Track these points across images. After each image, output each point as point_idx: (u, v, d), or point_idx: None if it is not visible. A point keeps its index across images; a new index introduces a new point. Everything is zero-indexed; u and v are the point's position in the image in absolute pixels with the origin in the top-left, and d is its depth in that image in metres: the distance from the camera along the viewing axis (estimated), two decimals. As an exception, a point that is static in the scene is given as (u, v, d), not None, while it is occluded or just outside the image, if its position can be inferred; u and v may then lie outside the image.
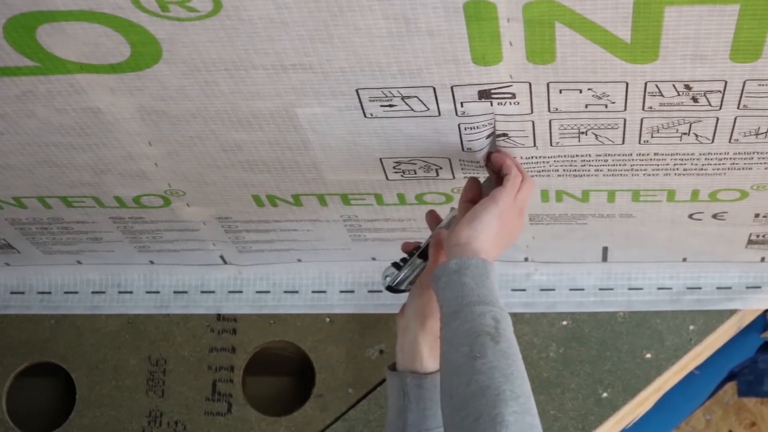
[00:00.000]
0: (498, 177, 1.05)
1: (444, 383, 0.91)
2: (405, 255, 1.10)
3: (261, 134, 1.04)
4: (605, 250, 1.34)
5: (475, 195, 1.06)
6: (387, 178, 1.14)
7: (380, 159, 1.09)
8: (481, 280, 0.95)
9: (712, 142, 1.01)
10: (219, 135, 1.05)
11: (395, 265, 1.09)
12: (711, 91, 0.92)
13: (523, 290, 1.40)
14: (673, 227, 1.24)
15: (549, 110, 0.98)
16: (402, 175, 1.13)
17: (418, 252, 1.09)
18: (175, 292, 1.47)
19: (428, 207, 1.16)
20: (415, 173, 1.13)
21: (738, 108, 0.95)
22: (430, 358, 1.05)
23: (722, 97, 0.93)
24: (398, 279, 1.09)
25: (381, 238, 1.31)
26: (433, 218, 1.12)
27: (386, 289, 1.10)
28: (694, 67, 0.88)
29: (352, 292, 1.43)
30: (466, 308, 0.93)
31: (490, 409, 0.85)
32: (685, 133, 1.00)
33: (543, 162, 1.08)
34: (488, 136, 1.03)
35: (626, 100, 0.95)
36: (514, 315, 1.39)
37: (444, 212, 1.20)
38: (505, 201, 1.00)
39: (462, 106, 0.97)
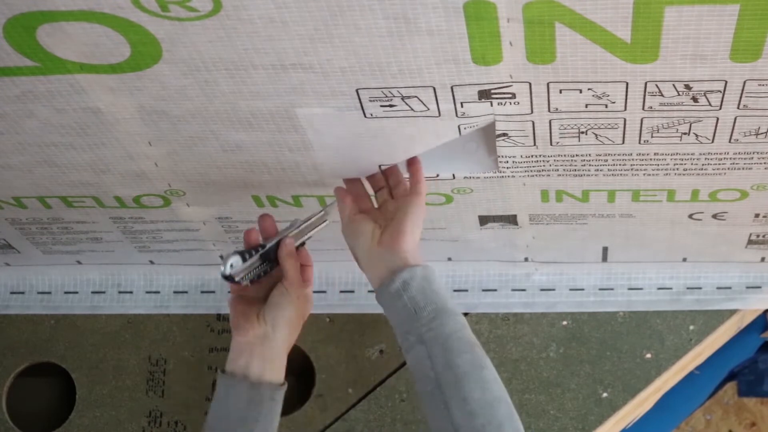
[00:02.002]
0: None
1: (451, 387, 0.94)
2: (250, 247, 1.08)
3: (261, 134, 1.04)
4: (605, 250, 1.34)
5: (367, 205, 1.11)
6: (387, 178, 1.14)
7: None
8: (442, 286, 1.02)
9: (712, 142, 1.01)
10: (219, 135, 1.05)
11: (240, 254, 1.06)
12: (711, 91, 0.92)
13: (523, 290, 1.40)
14: (673, 227, 1.24)
15: (549, 110, 0.98)
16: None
17: (260, 252, 1.07)
18: (175, 292, 1.47)
19: (429, 207, 1.16)
20: (415, 173, 1.13)
21: (738, 108, 0.95)
22: (282, 370, 1.06)
23: (722, 97, 0.93)
24: (239, 270, 1.05)
25: (381, 238, 1.31)
26: (270, 224, 1.11)
27: (223, 276, 1.06)
28: (694, 67, 0.88)
29: (352, 292, 1.43)
30: (450, 316, 1.00)
31: (512, 421, 0.93)
32: (685, 133, 1.00)
33: (543, 162, 1.08)
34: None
35: (626, 100, 0.95)
36: (514, 315, 1.40)
37: (445, 212, 1.20)
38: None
39: (462, 106, 0.97)
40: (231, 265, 1.05)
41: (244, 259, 1.06)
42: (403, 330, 1.01)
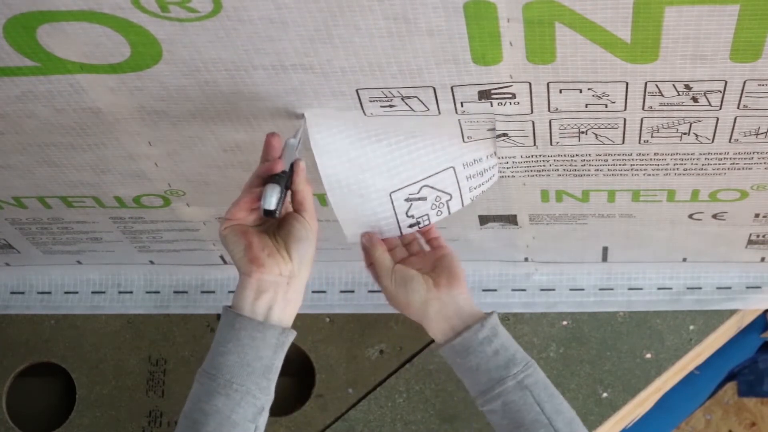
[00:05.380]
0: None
1: (566, 430, 0.99)
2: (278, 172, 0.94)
3: (261, 134, 1.04)
4: (605, 250, 1.34)
5: (401, 255, 1.10)
6: (387, 178, 1.14)
7: (380, 159, 1.10)
8: None
9: (712, 142, 1.01)
10: (219, 135, 1.05)
11: (276, 183, 0.92)
12: (711, 91, 0.92)
13: (523, 290, 1.40)
14: (673, 227, 1.24)
15: (549, 110, 0.98)
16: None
17: (286, 178, 0.94)
18: (175, 292, 1.47)
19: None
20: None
21: (738, 108, 0.95)
22: (294, 314, 0.96)
23: (722, 97, 0.93)
24: (278, 203, 0.92)
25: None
26: (279, 143, 0.97)
27: (267, 212, 0.92)
28: (694, 67, 0.88)
29: (352, 292, 1.43)
30: (535, 362, 1.03)
31: None
32: (685, 133, 1.00)
33: (543, 162, 1.08)
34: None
35: (626, 99, 0.95)
36: (514, 315, 1.40)
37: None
38: None
39: (462, 106, 0.97)
40: (275, 200, 0.92)
41: (280, 189, 0.93)
42: (495, 376, 1.00)
